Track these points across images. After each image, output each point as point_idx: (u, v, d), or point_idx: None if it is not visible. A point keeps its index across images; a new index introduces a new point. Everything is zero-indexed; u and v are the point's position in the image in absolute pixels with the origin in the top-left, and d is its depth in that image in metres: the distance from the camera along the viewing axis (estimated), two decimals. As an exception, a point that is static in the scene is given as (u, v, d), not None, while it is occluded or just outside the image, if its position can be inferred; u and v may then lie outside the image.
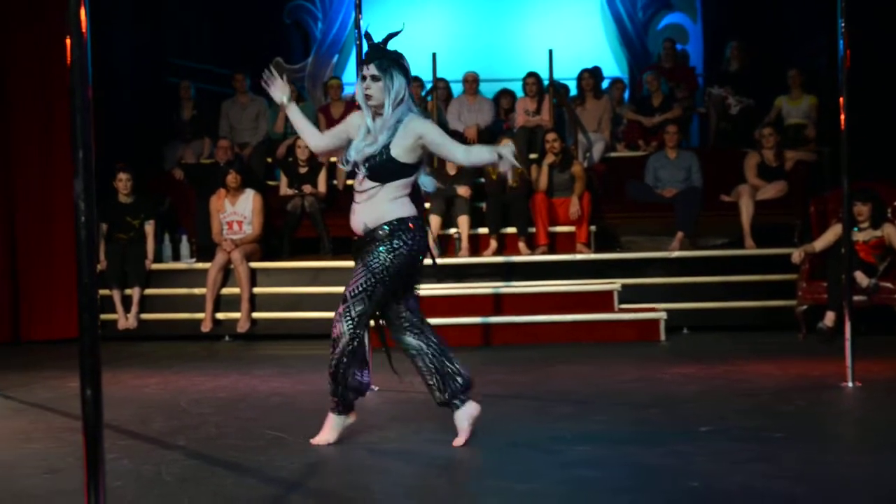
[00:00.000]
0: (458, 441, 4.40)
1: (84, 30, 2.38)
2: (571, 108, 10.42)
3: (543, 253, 9.03)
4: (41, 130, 8.95)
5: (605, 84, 11.55)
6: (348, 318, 4.32)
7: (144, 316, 8.96)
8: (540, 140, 9.85)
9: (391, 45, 4.44)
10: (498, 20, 14.26)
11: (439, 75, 10.71)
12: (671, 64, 11.73)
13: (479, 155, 4.39)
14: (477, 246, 9.27)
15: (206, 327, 8.77)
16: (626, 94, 11.90)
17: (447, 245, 9.30)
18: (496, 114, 10.86)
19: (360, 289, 4.31)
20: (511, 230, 9.23)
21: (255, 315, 8.81)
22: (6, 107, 8.94)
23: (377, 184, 4.33)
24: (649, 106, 10.90)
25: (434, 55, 10.42)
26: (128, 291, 8.93)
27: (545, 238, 9.10)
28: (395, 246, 4.31)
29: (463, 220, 9.13)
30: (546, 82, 10.52)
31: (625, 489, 3.64)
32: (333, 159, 10.21)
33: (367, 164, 4.32)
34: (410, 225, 4.34)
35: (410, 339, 4.51)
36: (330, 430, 4.51)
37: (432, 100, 10.41)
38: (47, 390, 6.30)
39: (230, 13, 12.94)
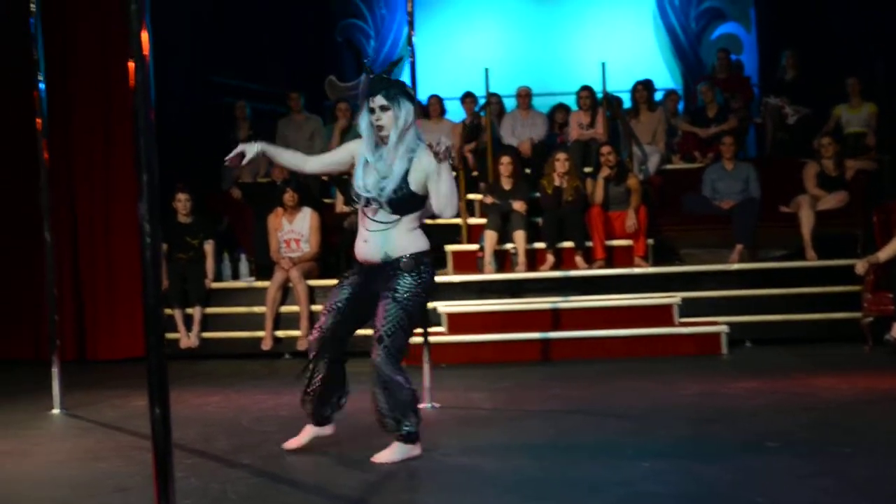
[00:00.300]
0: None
1: (146, 53, 2.41)
2: (626, 121, 10.37)
3: (601, 267, 8.98)
4: (101, 151, 9.10)
5: (658, 96, 11.49)
6: (391, 358, 4.37)
7: (205, 334, 9.05)
8: (594, 153, 9.81)
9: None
10: (550, 34, 14.28)
11: (492, 90, 10.72)
12: (726, 74, 11.63)
13: (448, 188, 4.38)
14: (534, 261, 9.24)
15: (266, 345, 8.84)
16: (681, 106, 11.82)
17: (504, 260, 9.28)
18: (550, 128, 10.85)
19: (396, 325, 4.36)
20: (568, 244, 9.19)
21: (314, 332, 8.86)
22: (69, 127, 9.11)
23: (397, 216, 4.40)
24: (704, 117, 10.81)
25: (487, 70, 10.44)
26: (189, 310, 9.03)
27: (602, 252, 9.04)
28: (422, 277, 4.40)
29: (519, 235, 9.11)
30: (600, 95, 10.48)
31: (690, 505, 3.60)
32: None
33: (389, 200, 4.37)
34: (426, 259, 4.44)
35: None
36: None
37: (485, 115, 10.43)
38: (113, 409, 6.40)
39: (283, 33, 13.09)
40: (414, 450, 4.52)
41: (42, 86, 6.47)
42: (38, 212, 7.07)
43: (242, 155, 4.53)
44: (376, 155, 4.44)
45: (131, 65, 2.42)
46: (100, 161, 9.11)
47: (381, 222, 4.41)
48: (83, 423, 5.91)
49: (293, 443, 4.77)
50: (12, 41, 8.75)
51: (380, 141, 4.45)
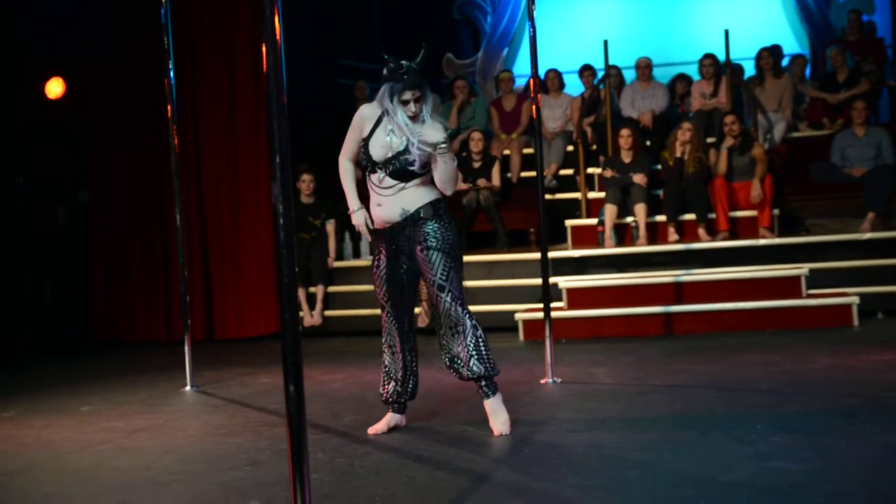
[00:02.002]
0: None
1: (278, 38, 2.45)
2: (750, 89, 10.09)
3: (724, 239, 8.79)
4: (227, 135, 9.33)
5: (784, 61, 11.13)
6: (458, 302, 4.57)
7: (328, 313, 9.21)
8: (718, 123, 9.60)
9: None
10: (670, 2, 13.98)
11: (611, 62, 10.56)
12: (857, 36, 11.20)
13: (446, 174, 4.56)
14: (655, 234, 9.11)
15: (387, 322, 8.94)
16: (808, 71, 11.43)
17: (624, 234, 9.18)
18: (671, 99, 10.64)
19: (448, 269, 4.56)
20: (690, 217, 9.02)
21: (435, 309, 8.91)
22: (196, 113, 9.36)
23: (401, 182, 4.56)
24: (834, 82, 10.44)
25: (606, 42, 10.28)
26: (312, 289, 9.20)
27: (726, 224, 8.85)
28: (445, 221, 4.59)
29: (640, 209, 8.99)
30: (723, 63, 10.23)
31: (825, 481, 3.50)
32: (507, 152, 10.31)
33: (391, 168, 4.53)
34: (442, 204, 4.64)
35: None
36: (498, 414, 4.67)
37: (605, 87, 10.29)
38: (241, 386, 6.57)
39: (399, 12, 13.15)
40: (500, 396, 4.68)
41: (172, 73, 6.64)
42: (168, 197, 7.35)
43: (364, 224, 4.71)
44: (392, 125, 4.56)
45: (264, 49, 2.46)
46: (226, 145, 9.33)
47: (389, 186, 4.57)
48: (214, 400, 6.09)
49: (374, 429, 4.79)
50: (142, 30, 9.03)
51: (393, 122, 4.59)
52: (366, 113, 4.66)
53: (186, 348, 6.65)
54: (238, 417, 5.45)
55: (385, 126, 4.59)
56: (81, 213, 10.08)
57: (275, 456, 4.39)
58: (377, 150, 4.57)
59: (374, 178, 4.60)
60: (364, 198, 4.72)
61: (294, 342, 2.49)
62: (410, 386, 4.79)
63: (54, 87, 9.83)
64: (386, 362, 4.78)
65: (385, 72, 4.56)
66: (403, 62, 4.56)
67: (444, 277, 4.56)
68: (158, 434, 5.10)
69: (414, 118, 4.56)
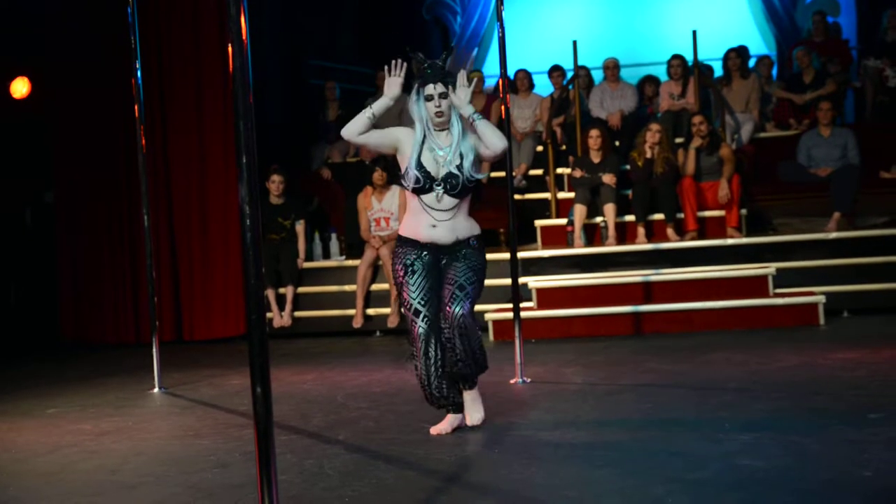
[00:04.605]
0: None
1: (245, 37, 2.43)
2: (717, 90, 10.16)
3: (693, 239, 8.84)
4: (196, 136, 9.26)
5: (751, 62, 11.22)
6: (471, 308, 4.60)
7: (298, 313, 9.18)
8: (686, 123, 9.65)
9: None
10: (638, 3, 14.06)
11: (580, 63, 10.60)
12: (822, 38, 11.31)
13: (490, 131, 4.61)
14: (624, 234, 9.14)
15: (357, 323, 8.93)
16: (775, 72, 11.53)
17: (594, 234, 9.21)
18: (640, 99, 10.70)
19: (474, 279, 4.62)
20: (659, 216, 9.07)
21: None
22: (164, 113, 9.30)
23: (458, 200, 4.61)
24: (800, 83, 10.53)
25: (575, 43, 10.31)
26: (282, 290, 9.16)
27: (694, 223, 8.90)
28: (483, 254, 4.72)
29: (609, 208, 9.02)
30: (690, 64, 10.29)
31: (792, 479, 3.53)
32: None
33: (449, 185, 4.57)
34: (482, 240, 4.77)
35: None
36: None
37: (574, 88, 10.32)
38: (210, 388, 6.54)
39: (369, 12, 13.12)
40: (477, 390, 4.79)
41: (139, 73, 6.60)
42: (136, 197, 7.29)
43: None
44: (434, 142, 4.61)
45: (230, 48, 2.45)
46: (194, 146, 9.27)
47: (446, 209, 4.61)
48: (182, 402, 6.06)
49: (436, 429, 4.73)
50: (109, 29, 8.96)
51: (436, 127, 4.63)
52: (401, 136, 4.70)
53: (154, 350, 6.60)
54: (207, 419, 5.42)
55: (429, 144, 4.61)
56: (47, 213, 9.99)
57: (243, 458, 4.37)
58: (431, 167, 4.58)
59: (430, 197, 4.60)
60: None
61: (261, 343, 2.48)
62: (447, 383, 4.68)
63: (19, 87, 9.74)
64: (422, 370, 4.65)
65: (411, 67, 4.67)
66: (429, 60, 4.64)
67: (469, 282, 4.60)
68: (126, 436, 5.07)
69: (440, 116, 4.58)
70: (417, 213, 4.65)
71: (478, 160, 4.67)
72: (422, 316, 4.59)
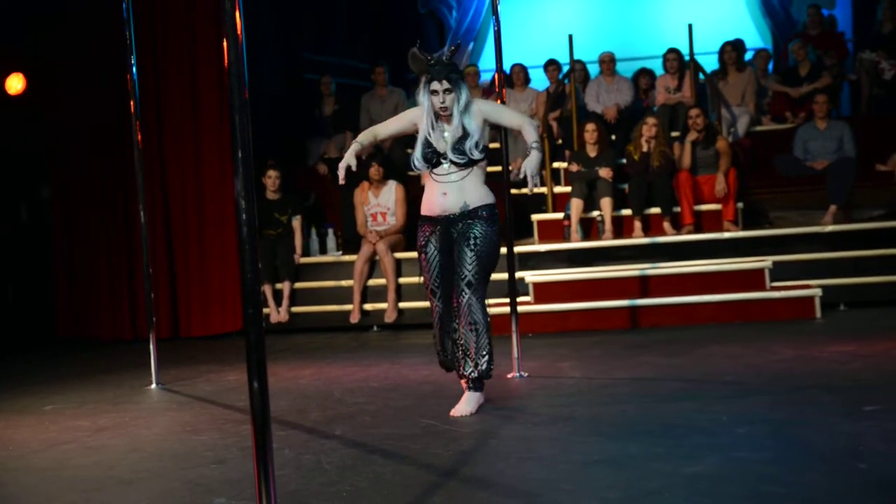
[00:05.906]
0: (457, 411, 4.82)
1: (240, 33, 2.43)
2: (713, 83, 10.16)
3: (689, 232, 8.85)
4: (191, 132, 9.26)
5: (747, 56, 11.22)
6: (480, 301, 4.75)
7: (295, 309, 9.18)
8: (682, 117, 9.66)
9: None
10: (634, -3, 14.07)
11: (576, 57, 10.59)
12: (818, 31, 11.31)
13: (530, 129, 4.83)
14: (621, 228, 9.15)
15: (354, 318, 8.94)
16: (771, 65, 11.53)
17: (590, 229, 9.21)
18: (635, 93, 10.70)
19: (481, 271, 4.75)
20: (655, 210, 9.08)
21: (402, 305, 8.92)
22: (160, 109, 9.28)
23: (466, 171, 4.77)
24: (796, 76, 10.54)
25: (570, 37, 10.31)
26: (279, 286, 9.16)
27: (690, 217, 8.91)
28: (495, 228, 4.80)
29: (605, 203, 9.03)
30: (686, 58, 10.29)
31: (789, 471, 3.54)
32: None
33: (456, 153, 4.74)
34: (496, 210, 4.87)
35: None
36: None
37: (569, 82, 10.32)
38: (207, 384, 6.54)
39: (365, 6, 13.10)
40: (482, 397, 4.92)
41: (134, 69, 6.59)
42: (132, 194, 7.28)
43: (348, 166, 4.93)
44: (437, 131, 4.81)
45: (225, 44, 2.45)
46: (190, 141, 9.26)
47: (455, 180, 4.79)
48: (180, 398, 6.06)
49: (456, 411, 4.88)
50: (104, 26, 8.94)
51: (439, 119, 4.82)
52: (415, 115, 4.90)
53: (152, 346, 6.60)
54: (204, 415, 5.42)
55: (435, 126, 4.81)
56: (43, 210, 9.98)
57: (241, 453, 4.37)
58: (439, 144, 4.78)
59: (440, 169, 4.80)
60: (419, 193, 5.02)
61: (258, 338, 2.48)
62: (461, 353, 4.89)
63: (15, 83, 9.71)
64: (448, 350, 4.93)
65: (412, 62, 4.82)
66: (433, 54, 4.80)
67: (476, 276, 4.74)
68: (124, 432, 5.07)
69: (445, 111, 4.74)
70: (430, 186, 4.88)
71: (483, 138, 4.81)
72: (437, 296, 4.88)
